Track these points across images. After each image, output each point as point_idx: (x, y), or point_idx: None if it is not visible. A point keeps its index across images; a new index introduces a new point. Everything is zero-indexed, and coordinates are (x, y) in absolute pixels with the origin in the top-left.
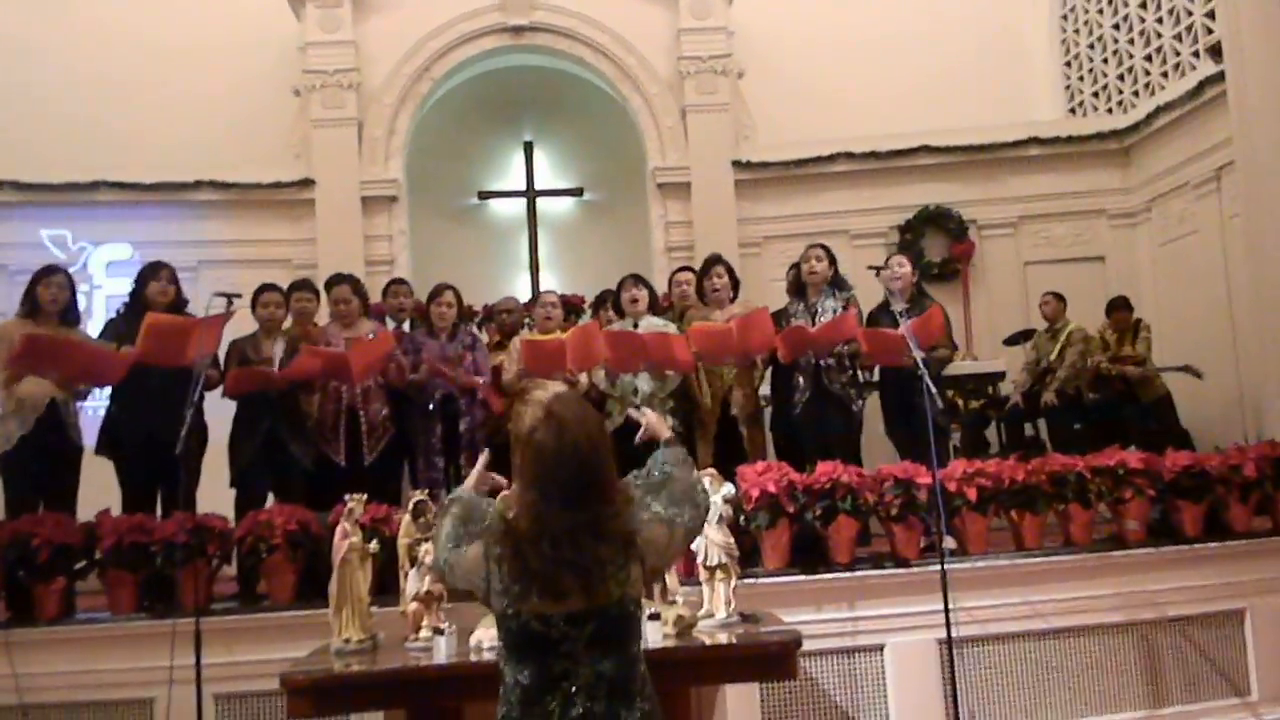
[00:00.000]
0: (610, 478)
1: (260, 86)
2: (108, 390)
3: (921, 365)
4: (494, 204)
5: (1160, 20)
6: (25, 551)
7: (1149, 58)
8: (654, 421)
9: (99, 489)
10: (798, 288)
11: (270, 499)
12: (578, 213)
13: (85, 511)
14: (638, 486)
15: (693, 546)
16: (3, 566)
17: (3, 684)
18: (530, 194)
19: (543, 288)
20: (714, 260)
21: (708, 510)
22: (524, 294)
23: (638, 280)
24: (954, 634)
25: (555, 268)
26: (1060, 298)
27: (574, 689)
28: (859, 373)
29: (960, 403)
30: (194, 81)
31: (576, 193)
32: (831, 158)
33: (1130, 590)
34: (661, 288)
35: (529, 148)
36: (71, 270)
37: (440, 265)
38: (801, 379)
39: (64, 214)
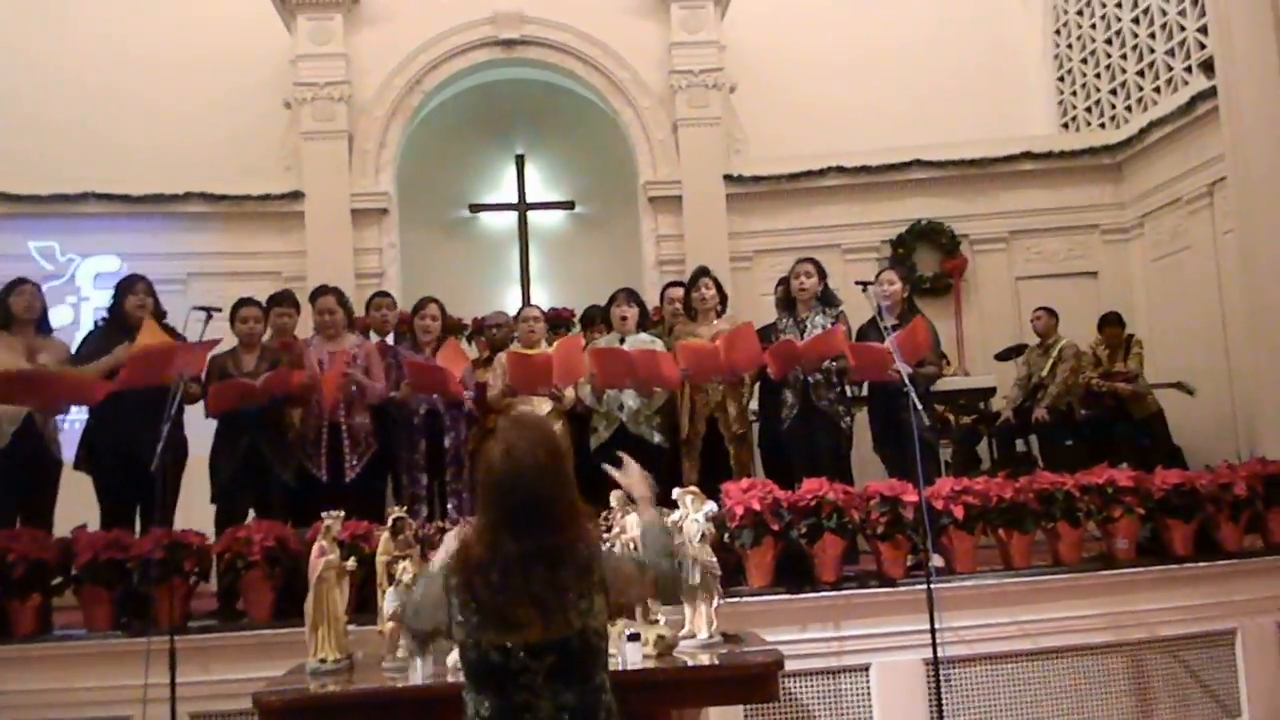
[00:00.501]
0: (567, 503)
1: (251, 98)
2: None
3: (907, 380)
4: (485, 217)
5: (1153, 35)
6: (0, 567)
7: (1141, 73)
8: (634, 481)
9: (79, 504)
10: (787, 302)
11: (252, 515)
12: (569, 226)
13: (65, 527)
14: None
15: None
16: None
17: None
18: (521, 207)
19: (533, 301)
20: (701, 272)
21: (679, 576)
22: (515, 308)
23: (630, 296)
24: (941, 654)
25: (546, 281)
26: (1052, 313)
27: None
28: (848, 388)
29: (951, 418)
30: (184, 93)
31: (568, 206)
32: (823, 172)
33: (1119, 610)
34: (653, 301)
35: (520, 161)
36: (59, 282)
37: (431, 278)
38: (790, 395)
39: (52, 225)
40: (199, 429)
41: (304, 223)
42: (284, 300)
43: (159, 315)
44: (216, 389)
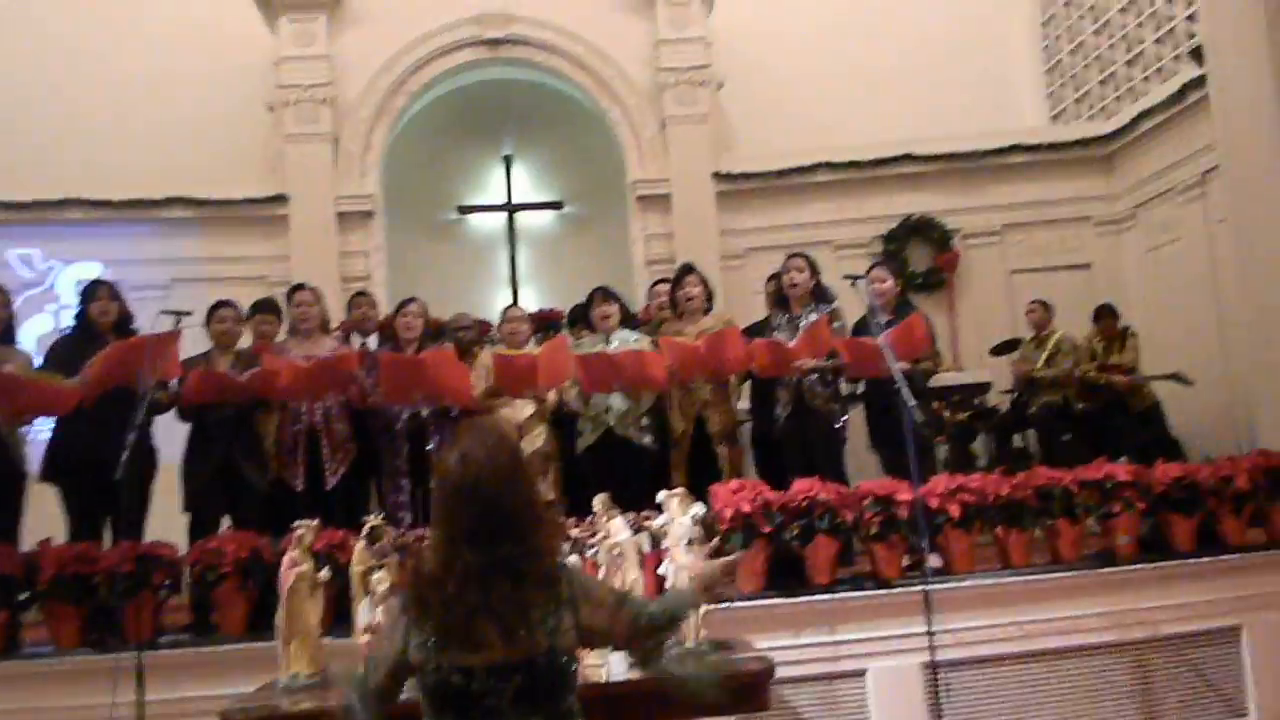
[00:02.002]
0: (529, 512)
1: (234, 102)
2: None
3: (899, 377)
4: (473, 218)
5: (1141, 24)
6: None
7: (1131, 63)
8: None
9: (48, 516)
10: (779, 299)
11: (227, 525)
12: (558, 226)
13: (34, 540)
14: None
15: (660, 570)
16: None
17: None
18: (510, 208)
19: (522, 303)
20: (686, 270)
21: (679, 619)
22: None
23: (607, 295)
24: (939, 657)
25: (536, 282)
26: (1047, 306)
27: None
28: (843, 385)
29: (947, 414)
30: (167, 97)
31: (556, 206)
32: (813, 168)
33: (1121, 608)
34: (642, 301)
35: (508, 161)
36: (39, 290)
37: (418, 281)
38: (782, 394)
39: (33, 232)
40: (171, 436)
41: (288, 226)
42: (266, 308)
43: (126, 321)
44: (197, 376)
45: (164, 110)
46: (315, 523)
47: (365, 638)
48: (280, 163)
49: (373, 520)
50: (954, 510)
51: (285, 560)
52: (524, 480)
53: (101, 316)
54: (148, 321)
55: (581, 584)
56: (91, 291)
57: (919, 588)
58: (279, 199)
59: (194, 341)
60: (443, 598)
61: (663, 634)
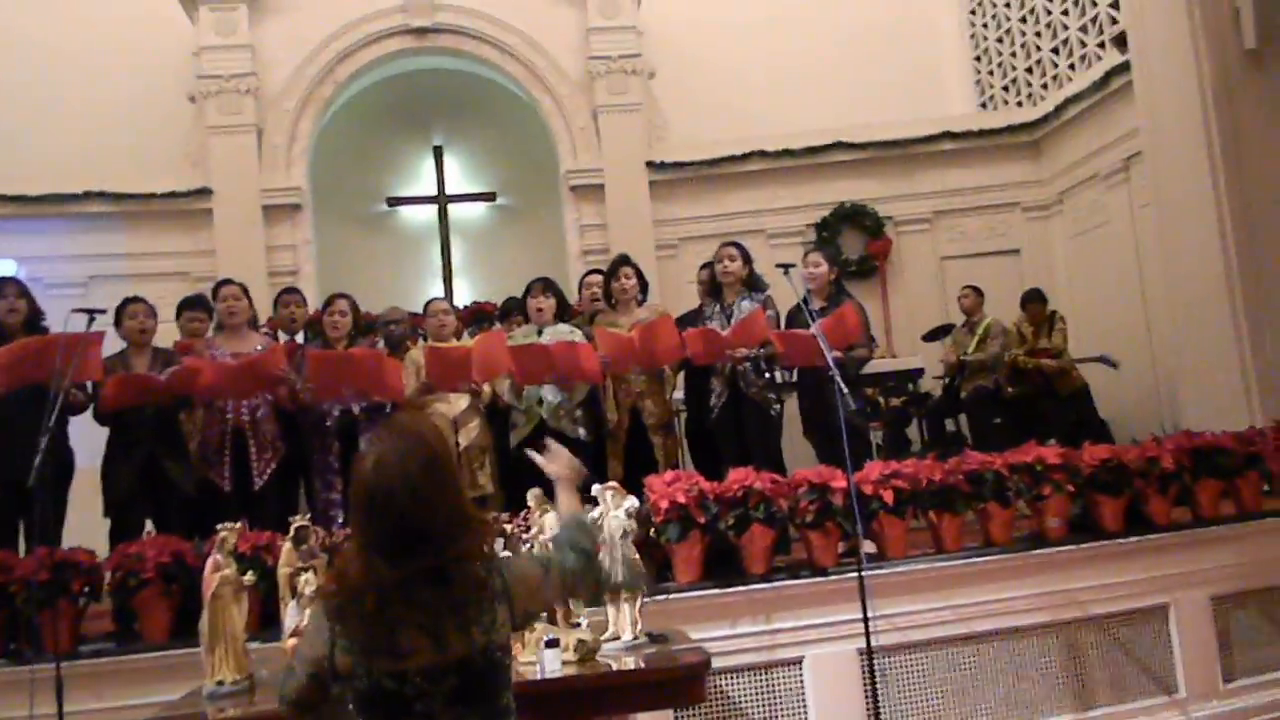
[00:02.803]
0: (449, 519)
1: (153, 93)
2: None
3: (833, 365)
4: (404, 211)
5: (1066, 12)
6: None
7: (1056, 50)
8: (558, 467)
9: None
10: (712, 288)
11: (151, 529)
12: (491, 218)
13: None
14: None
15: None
16: None
17: None
18: (441, 200)
19: (456, 295)
20: (621, 261)
21: (593, 553)
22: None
23: (547, 286)
24: (875, 643)
25: (469, 274)
26: (979, 291)
27: None
28: (777, 374)
29: (881, 401)
30: (83, 88)
31: (489, 197)
32: (745, 156)
33: (1053, 590)
34: (576, 292)
35: (439, 152)
36: None
37: (349, 275)
38: (717, 384)
39: None
40: (89, 439)
41: (212, 221)
42: (196, 305)
43: (36, 318)
44: (116, 380)
45: (82, 102)
46: (238, 525)
47: (292, 641)
48: (203, 155)
49: (299, 520)
50: (888, 497)
51: (209, 564)
52: (443, 485)
53: (9, 315)
54: (61, 320)
55: (515, 574)
56: None
57: (854, 574)
58: (202, 192)
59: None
60: (363, 610)
61: (589, 574)
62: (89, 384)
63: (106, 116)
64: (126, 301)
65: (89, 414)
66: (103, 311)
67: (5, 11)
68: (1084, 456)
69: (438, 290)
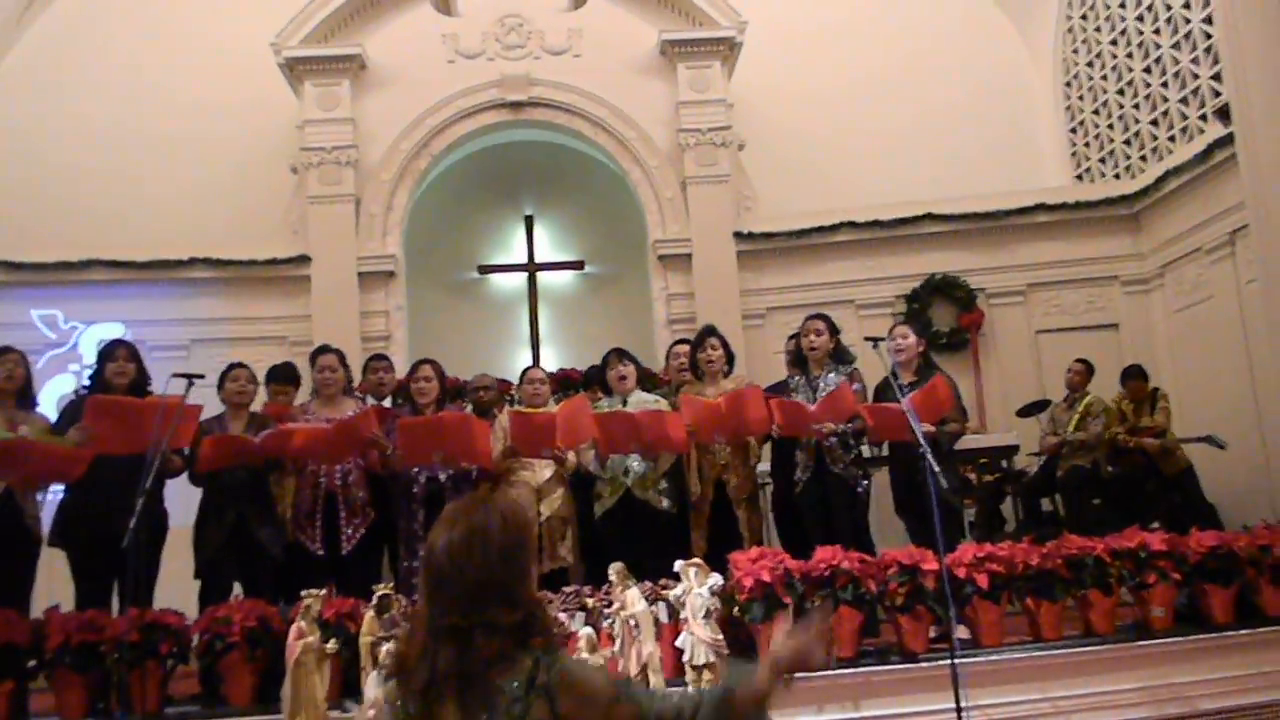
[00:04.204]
0: (507, 589)
1: (257, 165)
2: None
3: (924, 442)
4: (494, 278)
5: (1165, 84)
6: None
7: (1155, 122)
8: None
9: (61, 582)
10: (798, 360)
11: (239, 591)
12: (579, 286)
13: (45, 606)
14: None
15: (678, 643)
16: None
17: None
18: (531, 267)
19: (543, 363)
20: (708, 332)
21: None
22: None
23: (622, 355)
24: None
25: (556, 342)
26: (1089, 366)
27: None
28: (865, 449)
29: (974, 477)
30: (190, 160)
31: (577, 266)
32: (834, 227)
33: (1157, 683)
34: (663, 361)
35: (529, 221)
36: (62, 350)
37: (439, 341)
38: (802, 456)
39: (55, 294)
40: (183, 500)
41: (310, 287)
42: (282, 377)
43: (142, 383)
44: (212, 440)
45: (187, 172)
46: (323, 592)
47: (372, 712)
48: (303, 224)
49: (382, 589)
50: (982, 580)
51: (292, 631)
52: (493, 554)
53: (117, 377)
54: (162, 382)
55: (565, 671)
56: (110, 352)
57: (947, 661)
58: (301, 259)
59: (205, 403)
60: (412, 690)
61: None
62: (185, 448)
63: (211, 186)
64: (231, 366)
65: (181, 479)
66: (201, 376)
67: (119, 88)
68: (1191, 543)
69: (526, 357)
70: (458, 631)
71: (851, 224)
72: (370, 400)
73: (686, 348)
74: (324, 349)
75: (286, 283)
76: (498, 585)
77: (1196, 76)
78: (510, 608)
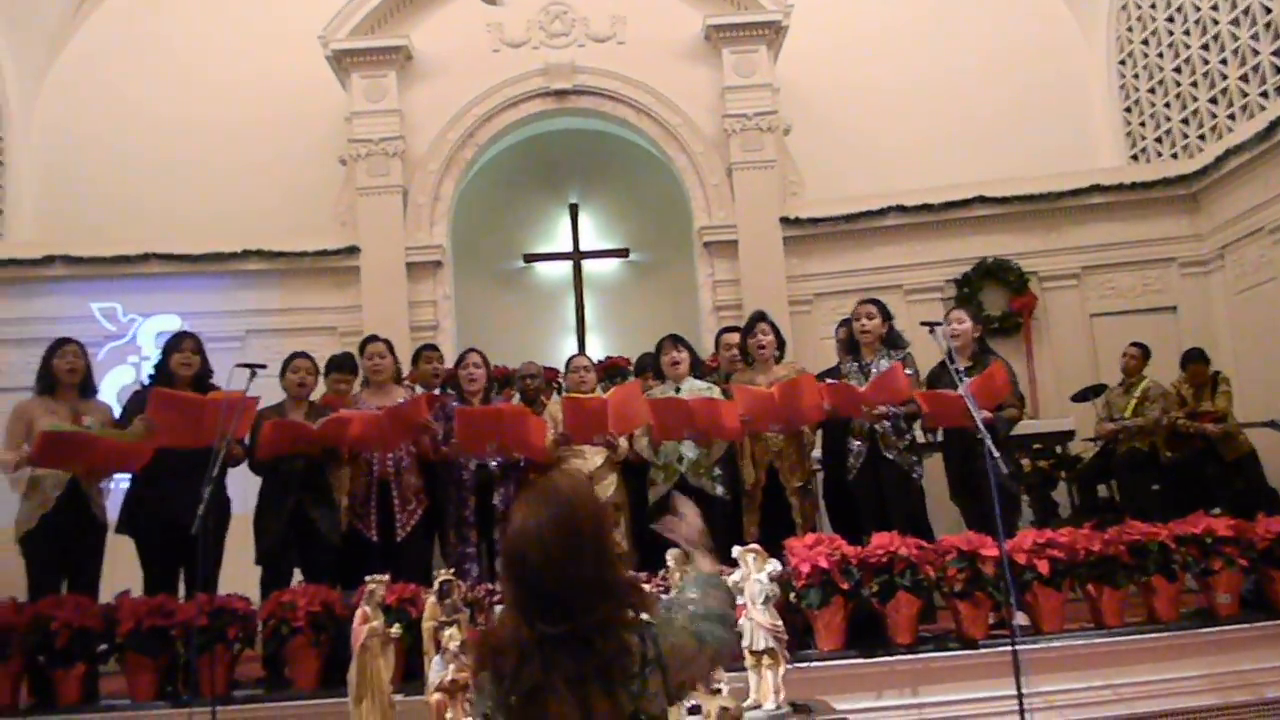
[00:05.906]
0: (592, 584)
1: (306, 156)
2: None
3: (983, 428)
4: (540, 267)
5: (1224, 61)
6: (45, 635)
7: (1214, 100)
8: (689, 529)
9: (127, 568)
10: (849, 345)
11: (299, 577)
12: (624, 273)
13: (113, 592)
14: (665, 604)
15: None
16: (23, 651)
17: None
18: (576, 256)
19: (589, 350)
20: (758, 318)
21: (734, 639)
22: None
23: (676, 341)
24: None
25: (602, 329)
26: (1145, 350)
27: None
28: (920, 435)
29: (1027, 462)
30: (241, 154)
31: (623, 254)
32: (882, 211)
33: (1223, 670)
34: (710, 348)
35: (574, 210)
36: (121, 342)
37: (486, 329)
38: (856, 443)
39: (114, 287)
40: (242, 487)
41: (359, 277)
42: (343, 367)
43: (205, 375)
44: (272, 425)
45: (239, 166)
46: (386, 577)
47: (436, 696)
48: (352, 215)
49: (444, 574)
50: (1042, 567)
51: (357, 616)
52: (579, 551)
53: (182, 369)
54: (224, 374)
55: (671, 644)
56: (175, 343)
57: (1007, 648)
58: (351, 250)
59: (265, 391)
60: (509, 671)
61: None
62: (246, 438)
63: (262, 180)
64: (292, 356)
65: (242, 468)
66: (264, 366)
67: (172, 85)
68: (1258, 529)
69: (571, 345)
70: (574, 639)
71: (900, 208)
72: (419, 389)
73: (736, 335)
74: (372, 338)
75: (336, 273)
76: (598, 582)
77: (1257, 53)
78: (617, 601)
